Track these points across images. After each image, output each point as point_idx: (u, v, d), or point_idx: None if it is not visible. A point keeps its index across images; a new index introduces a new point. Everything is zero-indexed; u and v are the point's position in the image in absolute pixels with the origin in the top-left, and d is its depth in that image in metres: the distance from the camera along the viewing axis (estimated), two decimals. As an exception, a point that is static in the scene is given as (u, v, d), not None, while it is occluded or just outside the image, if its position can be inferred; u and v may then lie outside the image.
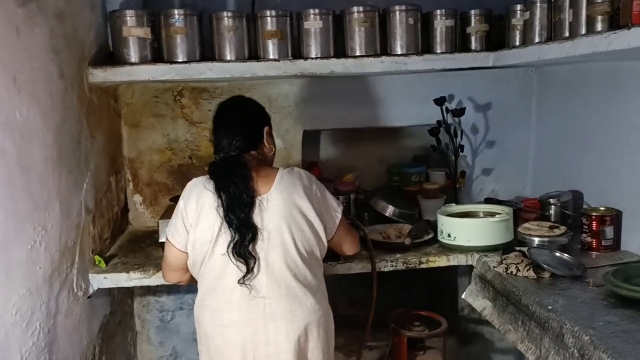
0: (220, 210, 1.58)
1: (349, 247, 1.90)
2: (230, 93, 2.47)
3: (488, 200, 2.47)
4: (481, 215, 2.22)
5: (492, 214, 2.15)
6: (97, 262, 2.01)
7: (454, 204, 2.31)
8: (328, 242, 1.74)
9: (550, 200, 2.24)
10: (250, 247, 1.57)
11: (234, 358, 1.61)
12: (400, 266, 2.06)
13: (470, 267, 2.08)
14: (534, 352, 1.54)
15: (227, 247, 1.57)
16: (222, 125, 1.71)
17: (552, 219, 2.21)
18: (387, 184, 2.80)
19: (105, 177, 2.22)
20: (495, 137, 2.63)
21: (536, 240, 1.99)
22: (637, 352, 1.21)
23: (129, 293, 2.57)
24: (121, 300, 2.43)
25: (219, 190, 1.59)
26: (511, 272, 1.79)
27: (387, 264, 2.06)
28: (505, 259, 1.87)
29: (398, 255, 2.08)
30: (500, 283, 1.79)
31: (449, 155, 2.57)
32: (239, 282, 1.58)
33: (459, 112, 2.46)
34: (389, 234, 2.27)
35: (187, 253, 1.66)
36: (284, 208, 1.61)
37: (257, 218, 1.59)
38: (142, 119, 2.50)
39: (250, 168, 1.63)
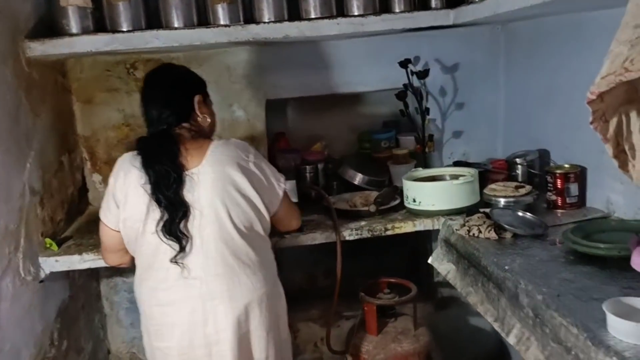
0: (148, 187, 1.51)
1: (292, 222, 1.86)
2: (186, 64, 2.36)
3: (457, 164, 2.40)
4: (447, 178, 2.15)
5: (458, 177, 2.08)
6: (48, 245, 1.93)
7: (420, 169, 2.24)
8: (271, 217, 1.67)
9: (517, 160, 2.17)
10: (181, 225, 1.50)
11: (172, 338, 1.55)
12: (366, 234, 2.00)
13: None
14: (492, 313, 1.48)
15: (157, 226, 1.51)
16: (149, 98, 1.62)
17: (520, 179, 2.15)
18: (358, 151, 2.72)
19: (55, 156, 2.13)
20: (464, 99, 2.55)
21: (502, 201, 1.93)
22: (589, 309, 1.15)
23: (93, 275, 2.51)
24: (84, 283, 2.36)
25: (145, 167, 1.52)
26: (473, 234, 1.73)
27: (352, 232, 2.00)
28: (467, 221, 1.81)
29: (363, 223, 2.02)
30: (462, 246, 1.73)
31: (418, 120, 2.50)
32: (171, 261, 1.52)
33: (423, 73, 2.37)
34: (355, 202, 2.20)
35: (119, 232, 1.60)
36: (217, 182, 1.53)
37: (188, 194, 1.52)
38: (94, 95, 2.40)
39: (180, 142, 1.55)
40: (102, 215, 1.63)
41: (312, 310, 2.62)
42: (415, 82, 2.40)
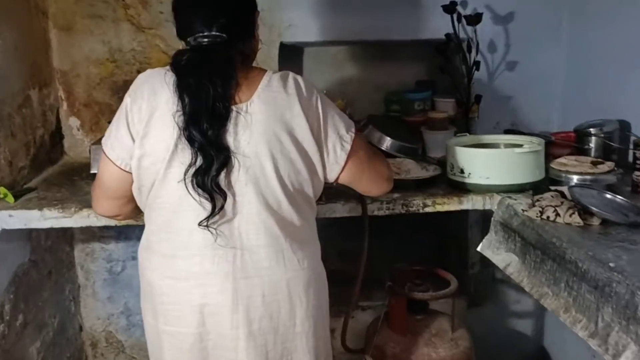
0: (180, 118, 1.11)
1: (368, 187, 1.37)
2: None
3: (509, 132, 1.99)
4: (502, 147, 1.75)
5: (516, 146, 1.69)
6: (2, 196, 1.54)
7: (467, 134, 1.84)
8: (334, 182, 1.28)
9: (591, 130, 1.77)
10: (220, 178, 1.12)
11: (189, 322, 1.18)
12: (399, 209, 1.61)
13: (486, 213, 1.64)
14: (585, 325, 1.10)
15: (185, 173, 1.12)
16: None
17: (592, 154, 1.75)
18: (384, 113, 2.31)
19: (21, 88, 1.73)
20: (516, 57, 2.14)
21: (575, 178, 1.54)
22: None
23: (66, 238, 2.11)
24: (53, 246, 1.97)
25: (181, 89, 1.11)
26: (547, 217, 1.34)
27: (382, 207, 1.60)
28: (538, 200, 1.41)
29: (396, 196, 1.63)
30: (532, 232, 1.34)
31: (460, 79, 2.09)
32: (200, 224, 1.13)
33: (475, 18, 1.95)
34: (384, 169, 1.80)
35: (130, 173, 1.19)
36: (268, 126, 1.14)
37: (229, 137, 1.13)
38: (75, 21, 1.98)
39: (237, 67, 1.15)
40: (107, 147, 1.20)
41: (322, 296, 2.26)
42: (460, 31, 1.99)
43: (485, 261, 2.27)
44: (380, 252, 2.02)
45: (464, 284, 2.23)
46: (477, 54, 1.99)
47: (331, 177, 1.26)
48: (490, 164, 1.59)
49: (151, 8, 1.99)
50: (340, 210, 1.59)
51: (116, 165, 1.19)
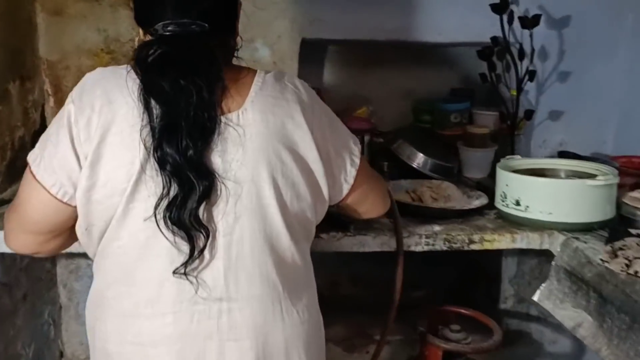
0: (149, 135, 0.84)
1: (372, 208, 1.16)
2: None
3: (563, 155, 1.73)
4: (562, 175, 1.49)
5: (583, 175, 1.42)
6: (-35, 212, 1.28)
7: (518, 156, 1.57)
8: (338, 203, 1.05)
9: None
10: (199, 210, 0.86)
11: None
12: (441, 245, 1.35)
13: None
14: None
15: (156, 207, 0.85)
16: None
17: (670, 188, 1.49)
18: (413, 124, 2.05)
19: (-2, 80, 1.47)
20: (570, 67, 1.87)
21: (656, 220, 1.28)
22: None
23: (46, 253, 1.85)
24: (29, 265, 1.70)
25: (150, 94, 0.84)
26: (636, 272, 1.08)
27: (421, 241, 1.34)
28: (621, 248, 1.15)
29: (437, 229, 1.36)
30: (615, 290, 1.08)
31: (504, 89, 1.83)
32: (175, 272, 0.87)
33: (532, 20, 1.69)
34: (421, 194, 1.53)
35: (69, 206, 0.90)
36: (265, 141, 0.89)
37: (216, 157, 0.87)
38: (66, 4, 1.72)
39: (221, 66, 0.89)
40: (39, 168, 0.90)
41: (333, 326, 1.99)
42: (510, 35, 1.73)
43: (519, 295, 2.04)
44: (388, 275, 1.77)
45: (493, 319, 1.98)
46: (531, 62, 1.72)
47: (337, 199, 1.04)
48: (554, 198, 1.33)
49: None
50: (371, 244, 1.33)
51: (50, 194, 0.89)
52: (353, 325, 1.99)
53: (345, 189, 1.02)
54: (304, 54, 1.87)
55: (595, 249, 1.21)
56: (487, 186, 1.59)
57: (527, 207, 1.34)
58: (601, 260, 1.14)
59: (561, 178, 1.48)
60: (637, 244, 1.16)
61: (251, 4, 1.73)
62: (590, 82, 1.88)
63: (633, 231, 1.23)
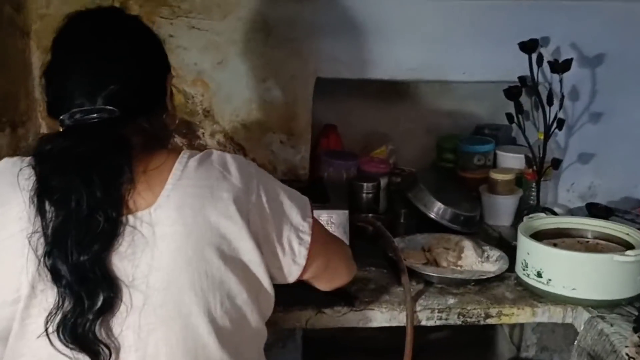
0: (39, 242, 0.76)
1: (334, 278, 1.07)
2: (205, 11, 1.62)
3: (592, 208, 1.61)
4: (588, 236, 1.39)
5: (611, 238, 1.32)
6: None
7: (542, 214, 1.47)
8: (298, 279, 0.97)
9: None
10: (102, 324, 0.77)
11: None
12: (455, 320, 1.26)
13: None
14: None
15: (47, 323, 0.76)
16: (79, 55, 0.85)
17: None
18: (435, 164, 1.96)
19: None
20: (603, 108, 1.74)
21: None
22: None
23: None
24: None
25: (43, 195, 0.77)
26: (666, 373, 0.98)
27: (433, 316, 1.26)
28: (650, 343, 1.05)
29: (452, 301, 1.28)
30: (642, 393, 0.99)
31: (531, 128, 1.73)
32: None
33: (563, 65, 1.58)
34: (436, 254, 1.45)
35: None
36: (184, 241, 0.80)
37: (122, 263, 0.78)
38: None
39: (133, 154, 0.81)
40: None
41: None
42: (539, 74, 1.63)
43: (542, 343, 1.93)
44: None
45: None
46: (560, 108, 1.61)
47: (288, 281, 0.95)
48: (579, 272, 1.23)
49: (159, 30, 1.56)
50: (379, 319, 1.25)
51: None
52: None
53: (296, 270, 0.93)
54: (320, 90, 1.79)
55: (621, 335, 1.12)
56: (509, 242, 1.50)
57: (549, 280, 1.25)
58: (627, 355, 1.05)
59: (587, 239, 1.38)
60: (669, 339, 1.06)
61: (263, 42, 1.67)
62: (623, 124, 1.75)
63: (665, 317, 1.13)
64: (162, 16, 1.60)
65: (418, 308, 1.25)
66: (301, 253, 0.92)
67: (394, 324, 1.24)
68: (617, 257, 1.19)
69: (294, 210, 0.91)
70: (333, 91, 1.89)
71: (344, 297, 1.22)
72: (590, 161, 1.78)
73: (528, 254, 1.29)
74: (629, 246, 1.28)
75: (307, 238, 0.92)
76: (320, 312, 1.20)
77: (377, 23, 1.68)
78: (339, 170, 1.74)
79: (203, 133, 1.71)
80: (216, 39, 1.62)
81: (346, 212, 1.38)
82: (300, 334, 1.77)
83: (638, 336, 1.09)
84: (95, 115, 0.80)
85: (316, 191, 1.47)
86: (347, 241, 1.30)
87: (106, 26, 0.88)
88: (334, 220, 1.34)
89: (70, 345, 0.76)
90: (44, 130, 1.66)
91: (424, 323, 1.26)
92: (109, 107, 0.81)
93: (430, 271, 1.35)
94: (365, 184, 1.64)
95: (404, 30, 1.68)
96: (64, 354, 0.77)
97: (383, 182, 1.73)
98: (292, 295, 0.98)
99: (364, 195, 1.64)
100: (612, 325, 1.16)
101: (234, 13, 1.63)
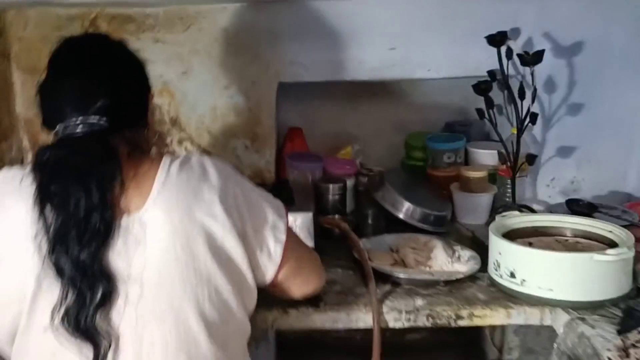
0: (43, 241, 0.82)
1: (305, 283, 1.08)
2: (168, 25, 1.62)
3: (572, 204, 1.50)
4: (568, 234, 1.27)
5: (592, 237, 1.21)
6: None
7: (516, 212, 1.36)
8: (266, 286, 1.00)
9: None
10: (102, 317, 0.82)
11: None
12: (424, 321, 1.16)
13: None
14: None
15: (53, 315, 0.81)
16: (73, 74, 0.91)
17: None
18: (404, 163, 1.85)
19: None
20: (583, 99, 1.63)
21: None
22: None
23: None
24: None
25: (43, 200, 0.83)
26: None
27: (401, 317, 1.15)
28: (635, 345, 0.94)
29: (420, 303, 1.17)
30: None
31: (505, 126, 1.62)
32: None
33: (533, 57, 1.47)
34: (404, 255, 1.33)
35: None
36: (173, 239, 0.85)
37: (118, 260, 0.84)
38: (41, 61, 1.57)
39: (122, 162, 0.88)
40: None
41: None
42: (509, 67, 1.54)
43: (526, 345, 1.82)
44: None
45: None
46: (533, 102, 1.50)
47: (265, 281, 0.99)
48: (556, 273, 1.11)
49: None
50: (343, 319, 1.15)
51: None
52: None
53: (271, 269, 0.97)
54: (283, 93, 1.71)
55: (604, 338, 1.00)
56: (483, 242, 1.38)
57: (524, 280, 1.13)
58: (608, 354, 0.93)
59: (566, 238, 1.27)
60: (654, 340, 0.94)
61: (224, 50, 1.64)
62: (606, 113, 1.64)
63: (651, 317, 1.01)
64: (128, 32, 1.61)
65: (385, 310, 1.15)
66: (277, 252, 0.96)
67: (361, 325, 1.16)
68: (598, 257, 1.07)
69: (269, 210, 0.97)
70: (297, 94, 1.81)
71: (310, 298, 1.13)
72: (571, 155, 1.67)
73: (500, 253, 1.18)
74: (612, 244, 1.17)
75: (283, 237, 0.97)
76: (286, 312, 1.14)
77: (337, 25, 1.62)
78: (304, 173, 1.64)
79: (171, 141, 1.71)
80: (179, 50, 1.64)
81: (310, 214, 1.34)
82: (273, 334, 1.67)
83: (622, 339, 0.97)
84: (86, 126, 0.86)
85: (282, 194, 1.42)
86: (312, 243, 1.30)
87: (95, 50, 0.96)
88: (298, 222, 1.31)
89: (74, 335, 0.81)
90: (25, 144, 1.71)
91: (391, 325, 1.16)
92: (98, 118, 0.87)
93: (397, 272, 1.25)
94: (331, 186, 1.54)
95: (365, 30, 1.62)
96: (67, 348, 0.82)
97: (350, 183, 1.63)
98: (258, 296, 0.97)
99: (330, 197, 1.54)
100: (593, 327, 1.04)
101: (195, 25, 1.63)
